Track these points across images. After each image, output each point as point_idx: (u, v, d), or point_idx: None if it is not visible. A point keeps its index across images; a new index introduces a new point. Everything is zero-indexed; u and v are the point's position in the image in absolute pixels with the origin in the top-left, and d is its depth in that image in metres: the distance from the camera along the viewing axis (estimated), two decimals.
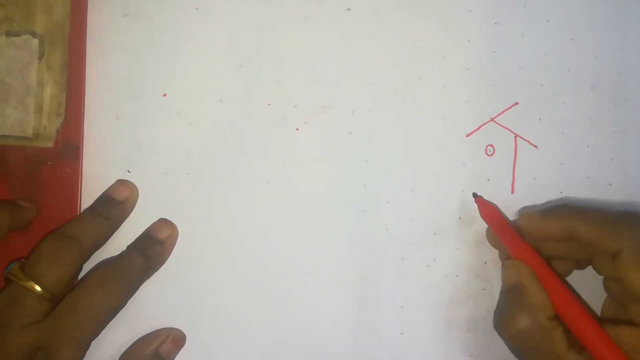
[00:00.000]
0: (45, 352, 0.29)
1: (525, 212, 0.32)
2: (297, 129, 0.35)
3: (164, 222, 0.34)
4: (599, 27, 0.36)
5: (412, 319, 0.35)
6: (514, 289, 0.31)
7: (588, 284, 0.33)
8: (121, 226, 0.33)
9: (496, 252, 0.35)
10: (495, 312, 0.31)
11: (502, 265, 0.32)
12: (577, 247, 0.31)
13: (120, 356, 0.33)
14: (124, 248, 0.33)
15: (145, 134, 0.34)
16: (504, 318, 0.30)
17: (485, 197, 0.35)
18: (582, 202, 0.35)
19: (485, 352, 0.35)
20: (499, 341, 0.32)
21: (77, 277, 0.32)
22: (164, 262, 0.34)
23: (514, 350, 0.30)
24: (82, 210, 0.34)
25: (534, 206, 0.35)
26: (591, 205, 0.32)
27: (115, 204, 0.33)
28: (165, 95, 0.35)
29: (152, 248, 0.33)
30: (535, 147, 0.35)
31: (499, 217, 0.33)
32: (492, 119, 0.35)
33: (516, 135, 0.35)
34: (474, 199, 0.34)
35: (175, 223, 0.34)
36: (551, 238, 0.31)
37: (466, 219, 0.35)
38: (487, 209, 0.34)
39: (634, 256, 0.28)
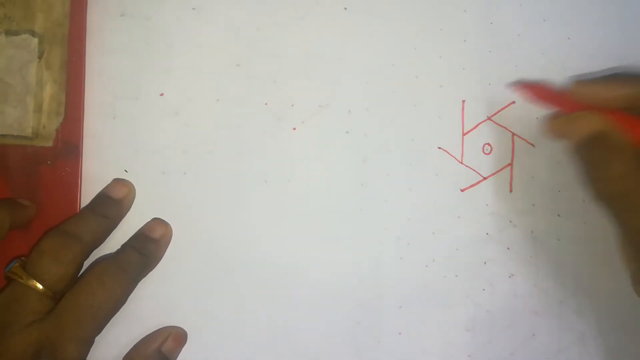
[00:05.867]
0: (49, 350, 0.29)
1: (581, 80, 0.31)
2: (294, 129, 0.35)
3: (157, 222, 0.34)
4: (595, 26, 0.36)
5: (411, 319, 0.35)
6: (596, 137, 0.30)
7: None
8: (118, 225, 0.34)
9: (496, 251, 0.35)
10: (582, 168, 0.30)
11: (567, 122, 0.31)
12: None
13: (124, 357, 0.33)
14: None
15: (142, 133, 0.34)
16: (595, 165, 0.29)
17: (483, 195, 0.35)
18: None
19: (484, 352, 0.35)
20: (498, 341, 0.33)
21: (78, 275, 0.32)
22: (158, 261, 0.34)
23: (611, 196, 0.29)
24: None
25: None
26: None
27: (112, 203, 0.33)
28: (162, 94, 0.35)
29: (147, 246, 0.33)
30: (533, 145, 0.35)
31: (547, 88, 0.32)
32: (489, 118, 0.35)
33: (513, 134, 0.35)
34: (513, 88, 0.33)
35: (172, 222, 0.34)
36: (608, 104, 0.30)
37: (465, 218, 0.35)
38: (532, 90, 0.32)
39: None
